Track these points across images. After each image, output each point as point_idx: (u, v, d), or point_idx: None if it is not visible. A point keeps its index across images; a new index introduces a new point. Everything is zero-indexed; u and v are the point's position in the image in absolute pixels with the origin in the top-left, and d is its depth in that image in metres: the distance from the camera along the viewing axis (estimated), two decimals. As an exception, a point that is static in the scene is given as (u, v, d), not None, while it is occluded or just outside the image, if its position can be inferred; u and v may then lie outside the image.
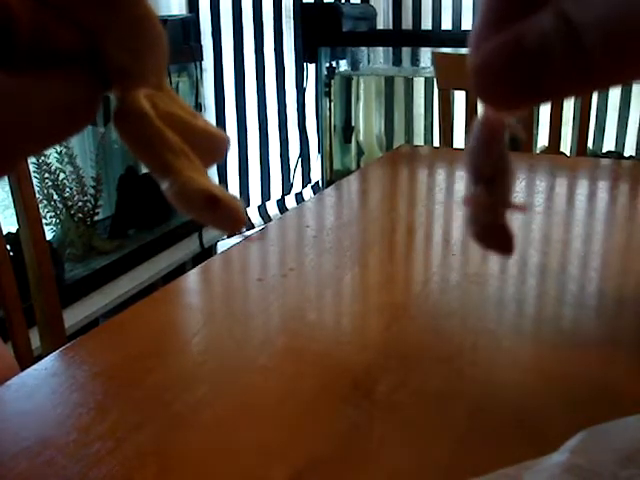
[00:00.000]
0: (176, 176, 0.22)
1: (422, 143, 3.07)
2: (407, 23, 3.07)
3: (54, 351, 0.53)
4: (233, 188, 2.55)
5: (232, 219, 0.23)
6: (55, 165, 1.72)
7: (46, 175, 1.70)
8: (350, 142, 3.01)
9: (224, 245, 2.35)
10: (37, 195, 1.02)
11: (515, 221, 0.83)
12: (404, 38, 2.89)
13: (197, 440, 0.42)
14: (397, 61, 2.88)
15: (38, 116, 0.23)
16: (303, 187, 2.96)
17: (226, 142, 0.25)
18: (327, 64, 2.78)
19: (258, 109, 2.63)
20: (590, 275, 0.67)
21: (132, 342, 0.54)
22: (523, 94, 0.19)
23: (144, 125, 0.22)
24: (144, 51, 0.22)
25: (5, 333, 0.87)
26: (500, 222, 0.28)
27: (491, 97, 0.19)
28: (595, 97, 1.46)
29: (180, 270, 1.96)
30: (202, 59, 2.23)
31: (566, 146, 2.66)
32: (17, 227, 0.95)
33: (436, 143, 2.99)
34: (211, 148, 0.24)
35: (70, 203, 1.76)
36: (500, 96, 0.19)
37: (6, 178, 0.90)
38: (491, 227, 0.28)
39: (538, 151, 2.27)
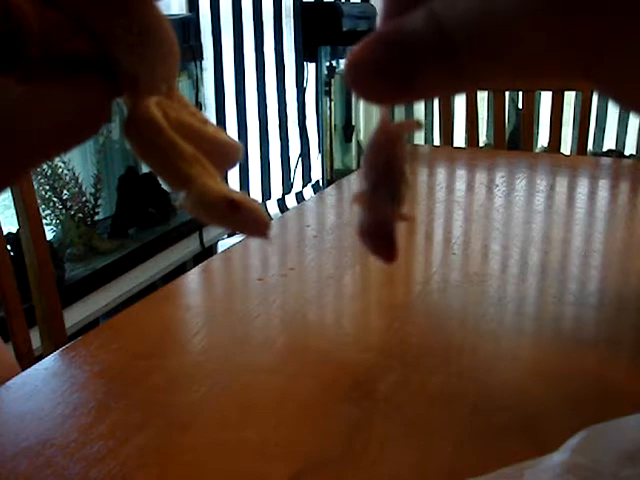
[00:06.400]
0: (193, 185, 0.22)
1: (422, 142, 3.06)
2: (407, 22, 3.06)
3: (54, 351, 0.53)
4: (234, 188, 2.54)
5: (256, 222, 0.23)
6: (51, 170, 1.72)
7: (42, 180, 1.70)
8: (350, 141, 3.01)
9: (224, 245, 2.35)
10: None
11: (516, 220, 0.83)
12: (404, 37, 2.89)
13: (197, 440, 0.41)
14: (397, 60, 2.87)
15: (49, 123, 0.22)
16: (303, 186, 2.96)
17: (238, 150, 0.25)
18: (327, 63, 2.78)
19: (258, 108, 2.63)
20: (590, 274, 0.67)
21: (132, 342, 0.54)
22: (393, 89, 0.18)
23: (156, 134, 0.22)
24: (155, 58, 0.22)
25: (5, 333, 0.87)
26: (383, 226, 0.27)
27: (360, 88, 0.19)
28: (595, 95, 1.46)
29: (180, 270, 1.96)
30: (202, 58, 2.22)
31: (566, 147, 2.66)
32: (17, 227, 0.95)
33: (436, 142, 2.99)
34: (223, 157, 0.24)
35: (70, 204, 1.77)
36: (368, 88, 0.19)
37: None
38: (373, 230, 0.27)
39: (537, 151, 2.27)
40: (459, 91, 0.19)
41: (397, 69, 0.18)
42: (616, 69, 0.17)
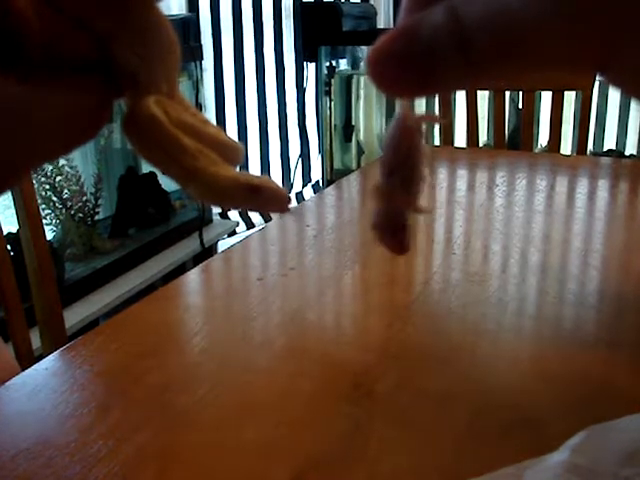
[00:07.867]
0: (202, 175, 0.22)
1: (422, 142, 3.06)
2: (407, 22, 3.07)
3: (54, 351, 0.53)
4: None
5: (277, 200, 0.23)
6: (50, 168, 1.72)
7: (42, 179, 1.70)
8: (350, 141, 3.01)
9: (224, 245, 2.34)
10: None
11: (516, 220, 0.83)
12: (404, 37, 2.89)
13: (197, 440, 0.41)
14: (397, 60, 2.87)
15: (50, 124, 0.22)
16: (303, 186, 2.96)
17: (239, 151, 0.25)
18: (327, 63, 2.78)
19: (258, 108, 2.63)
20: (590, 274, 0.67)
21: (132, 342, 0.54)
22: (413, 82, 0.19)
23: (156, 130, 0.22)
24: (155, 58, 0.22)
25: (5, 333, 0.87)
26: (395, 218, 0.27)
27: (381, 81, 0.19)
28: (595, 95, 1.46)
29: (180, 270, 1.96)
30: (202, 59, 2.22)
31: (566, 146, 2.66)
32: (17, 227, 0.95)
33: (436, 142, 2.99)
34: (224, 157, 0.24)
35: (70, 204, 1.77)
36: (389, 81, 0.19)
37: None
38: (385, 221, 0.28)
39: (537, 151, 2.27)
40: (477, 85, 0.19)
41: (417, 63, 0.18)
42: (634, 58, 0.17)
